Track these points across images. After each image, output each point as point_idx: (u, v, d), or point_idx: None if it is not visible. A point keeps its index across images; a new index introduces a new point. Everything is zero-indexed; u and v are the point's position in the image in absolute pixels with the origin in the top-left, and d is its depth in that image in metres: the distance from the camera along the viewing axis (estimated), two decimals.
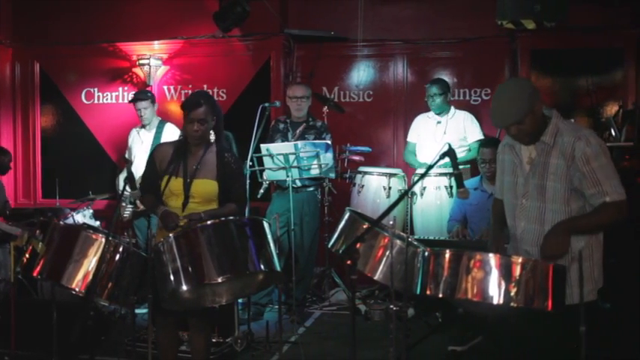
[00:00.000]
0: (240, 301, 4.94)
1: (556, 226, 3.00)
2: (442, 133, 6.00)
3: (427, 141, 6.07)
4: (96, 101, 7.65)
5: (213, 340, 4.58)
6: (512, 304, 2.74)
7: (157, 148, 3.84)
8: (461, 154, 5.82)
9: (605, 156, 3.00)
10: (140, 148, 6.09)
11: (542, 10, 5.70)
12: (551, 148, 3.04)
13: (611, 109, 6.49)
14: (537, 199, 3.08)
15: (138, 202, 5.50)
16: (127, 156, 6.35)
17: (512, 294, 2.73)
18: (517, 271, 2.75)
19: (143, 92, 6.25)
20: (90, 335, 4.55)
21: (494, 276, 2.76)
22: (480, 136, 6.02)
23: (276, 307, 5.02)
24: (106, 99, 7.62)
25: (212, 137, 3.74)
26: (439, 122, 6.06)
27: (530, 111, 3.00)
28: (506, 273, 2.75)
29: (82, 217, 5.87)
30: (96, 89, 7.64)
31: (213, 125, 3.69)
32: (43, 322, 4.04)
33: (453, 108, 6.13)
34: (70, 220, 5.66)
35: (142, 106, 6.08)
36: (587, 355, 2.73)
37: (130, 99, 6.49)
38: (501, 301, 2.74)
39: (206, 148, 3.70)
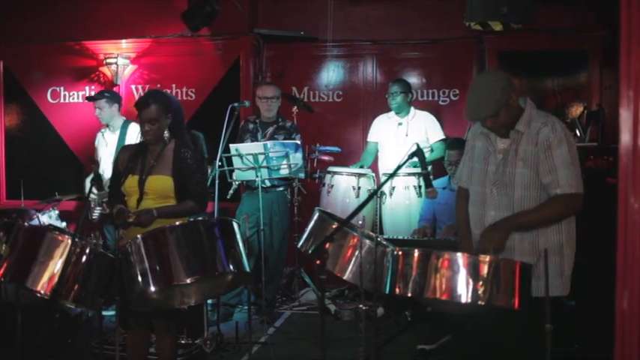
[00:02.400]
0: (209, 302, 4.91)
1: (497, 222, 3.04)
2: (404, 135, 6.04)
3: (390, 143, 6.09)
4: (62, 100, 7.54)
5: (182, 342, 4.55)
6: (479, 302, 2.77)
7: (121, 150, 3.85)
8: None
9: (569, 145, 3.02)
10: (105, 150, 6.01)
11: (510, 12, 5.77)
12: (522, 136, 3.08)
13: (576, 109, 6.60)
14: (507, 186, 3.11)
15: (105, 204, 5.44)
16: (92, 156, 6.26)
17: (480, 292, 2.76)
18: (484, 269, 2.77)
19: (100, 92, 6.15)
20: (56, 339, 4.49)
21: (462, 275, 2.78)
22: (442, 136, 6.10)
23: (246, 307, 5.01)
24: (73, 98, 7.51)
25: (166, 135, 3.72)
26: (400, 124, 6.10)
27: (504, 104, 3.03)
28: (473, 272, 2.78)
29: (48, 218, 5.76)
30: (62, 88, 7.53)
31: (168, 123, 3.68)
32: (8, 326, 3.96)
33: (413, 109, 6.17)
34: (35, 222, 5.55)
35: (97, 105, 5.99)
36: (553, 353, 2.77)
37: (87, 97, 6.39)
38: (469, 300, 2.77)
39: (164, 146, 3.71)
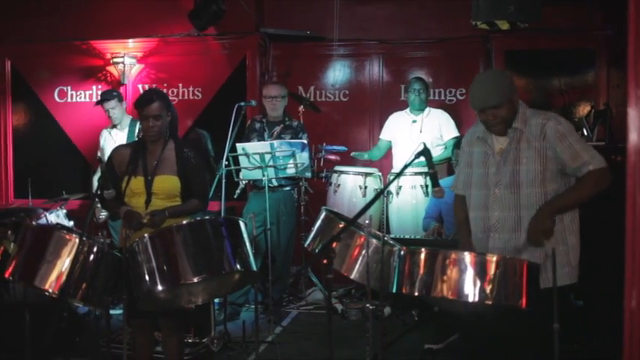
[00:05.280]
0: (216, 301, 4.92)
1: (539, 211, 3.05)
2: (418, 131, 6.07)
3: (403, 139, 6.11)
4: (69, 100, 7.57)
5: (190, 341, 4.56)
6: (487, 301, 2.76)
7: (114, 152, 3.82)
8: (437, 152, 5.87)
9: (577, 133, 3.14)
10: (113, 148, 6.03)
11: (516, 11, 5.75)
12: (521, 134, 3.12)
13: (583, 109, 6.58)
14: (511, 185, 3.13)
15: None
16: (99, 155, 6.28)
17: (487, 292, 2.75)
18: (492, 269, 2.77)
19: (108, 92, 6.18)
20: (64, 337, 4.51)
21: (469, 274, 2.78)
22: (456, 134, 6.10)
23: (253, 306, 5.01)
24: (80, 97, 7.54)
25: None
26: (414, 121, 6.12)
27: (508, 98, 3.09)
28: (480, 271, 2.77)
29: (56, 217, 5.78)
30: (69, 87, 7.55)
31: (168, 121, 3.71)
32: (16, 324, 3.98)
33: (428, 107, 6.20)
34: (42, 221, 5.57)
35: (109, 107, 6.02)
36: (561, 352, 2.76)
37: (95, 101, 6.41)
38: (476, 299, 2.76)
39: (164, 146, 3.71)
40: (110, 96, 6.06)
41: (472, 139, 3.34)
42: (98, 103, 6.16)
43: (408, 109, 6.23)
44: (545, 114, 3.15)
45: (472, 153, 3.32)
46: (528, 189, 3.10)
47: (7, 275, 3.46)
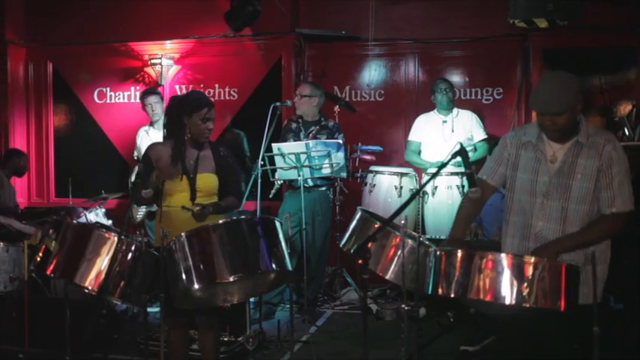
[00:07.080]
0: (251, 300, 4.94)
1: (543, 249, 2.99)
2: (450, 131, 6.04)
3: (436, 140, 6.09)
4: (108, 101, 7.70)
5: (225, 339, 4.60)
6: (524, 304, 2.72)
7: (151, 148, 3.81)
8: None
9: (626, 164, 3.04)
10: None
11: (555, 8, 5.66)
12: (582, 148, 3.04)
13: (625, 108, 6.45)
14: (560, 198, 3.05)
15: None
16: (135, 154, 6.38)
17: (525, 294, 2.71)
18: (529, 271, 2.73)
19: (151, 88, 6.33)
20: (102, 333, 4.59)
21: (506, 276, 2.74)
22: (484, 135, 6.09)
23: (288, 306, 5.03)
24: (118, 98, 7.67)
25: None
26: (445, 121, 6.09)
27: (571, 107, 2.99)
28: (518, 273, 2.74)
29: (95, 216, 5.90)
30: (108, 89, 7.68)
31: None
32: (57, 321, 4.07)
33: (455, 107, 6.18)
34: (82, 219, 5.69)
35: (152, 101, 6.13)
36: (600, 356, 2.71)
37: (139, 96, 6.53)
38: (513, 301, 2.73)
39: (201, 145, 3.74)
40: (154, 90, 6.20)
41: (520, 141, 3.21)
42: (141, 97, 6.30)
43: (435, 110, 6.20)
44: (606, 135, 3.07)
45: (519, 156, 3.20)
46: (577, 205, 3.03)
47: (48, 272, 3.55)
